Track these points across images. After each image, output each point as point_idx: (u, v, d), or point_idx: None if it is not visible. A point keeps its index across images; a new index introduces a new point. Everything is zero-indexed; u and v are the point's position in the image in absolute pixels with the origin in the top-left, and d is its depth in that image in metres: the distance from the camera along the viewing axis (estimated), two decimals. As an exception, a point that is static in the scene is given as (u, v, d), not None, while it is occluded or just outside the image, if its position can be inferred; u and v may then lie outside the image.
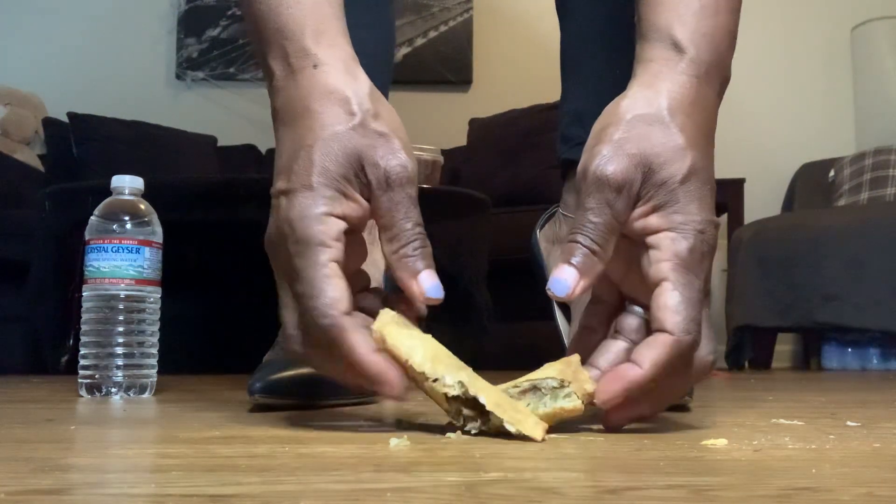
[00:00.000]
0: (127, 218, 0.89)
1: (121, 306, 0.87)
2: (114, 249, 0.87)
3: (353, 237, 0.52)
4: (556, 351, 0.87)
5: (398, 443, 0.46)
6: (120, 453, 0.47)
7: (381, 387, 0.49)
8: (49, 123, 2.74)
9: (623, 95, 0.55)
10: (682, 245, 0.50)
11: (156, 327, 0.91)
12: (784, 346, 2.77)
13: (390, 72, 0.88)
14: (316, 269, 0.49)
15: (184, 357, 1.45)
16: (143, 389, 0.88)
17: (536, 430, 0.48)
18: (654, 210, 0.51)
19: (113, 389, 0.87)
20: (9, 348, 1.84)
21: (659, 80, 0.54)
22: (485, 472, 0.37)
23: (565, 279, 0.51)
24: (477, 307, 1.96)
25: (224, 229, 1.57)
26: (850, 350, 2.39)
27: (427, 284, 0.51)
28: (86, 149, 2.61)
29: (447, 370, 0.49)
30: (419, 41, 3.12)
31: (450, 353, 0.51)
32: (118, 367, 0.87)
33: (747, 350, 2.37)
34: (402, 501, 0.31)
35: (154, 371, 0.90)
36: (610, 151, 0.51)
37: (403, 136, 0.53)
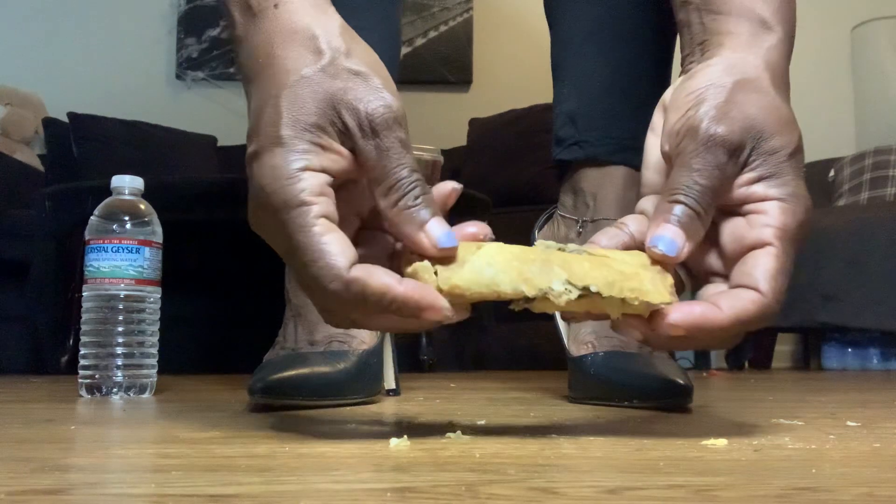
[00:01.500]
0: (127, 218, 0.89)
1: (121, 306, 0.87)
2: (114, 249, 0.87)
3: (344, 192, 0.47)
4: (556, 351, 0.88)
5: (398, 443, 0.46)
6: (120, 453, 0.47)
7: (427, 313, 0.44)
8: (49, 123, 2.74)
9: (707, 63, 0.51)
10: (792, 217, 0.47)
11: (156, 327, 0.91)
12: (784, 346, 2.77)
13: (395, 71, 0.88)
14: (305, 233, 0.43)
15: (184, 357, 1.45)
16: (143, 389, 0.88)
17: (663, 293, 0.45)
18: (760, 179, 0.48)
19: (113, 389, 0.87)
20: (9, 348, 1.84)
21: (753, 50, 0.50)
22: (485, 472, 0.37)
23: (673, 238, 0.46)
24: (477, 307, 1.96)
25: (224, 229, 1.57)
26: (850, 350, 2.39)
27: (438, 233, 0.45)
28: (86, 149, 2.61)
29: (542, 276, 0.44)
30: (419, 41, 3.12)
31: (515, 251, 0.45)
32: (118, 367, 0.87)
33: (747, 350, 2.37)
34: (402, 501, 0.31)
35: (154, 371, 0.90)
36: (718, 112, 0.47)
37: (384, 73, 0.47)
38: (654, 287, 0.45)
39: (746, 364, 2.40)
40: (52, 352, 1.62)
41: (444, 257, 0.45)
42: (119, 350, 0.87)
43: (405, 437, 0.47)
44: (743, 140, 0.47)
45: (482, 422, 0.59)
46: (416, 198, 0.45)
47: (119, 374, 0.87)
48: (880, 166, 2.59)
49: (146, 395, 0.88)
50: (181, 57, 3.12)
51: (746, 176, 0.48)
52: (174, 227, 0.97)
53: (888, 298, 2.16)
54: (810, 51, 3.09)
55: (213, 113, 3.04)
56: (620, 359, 0.76)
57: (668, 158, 0.50)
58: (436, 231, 0.45)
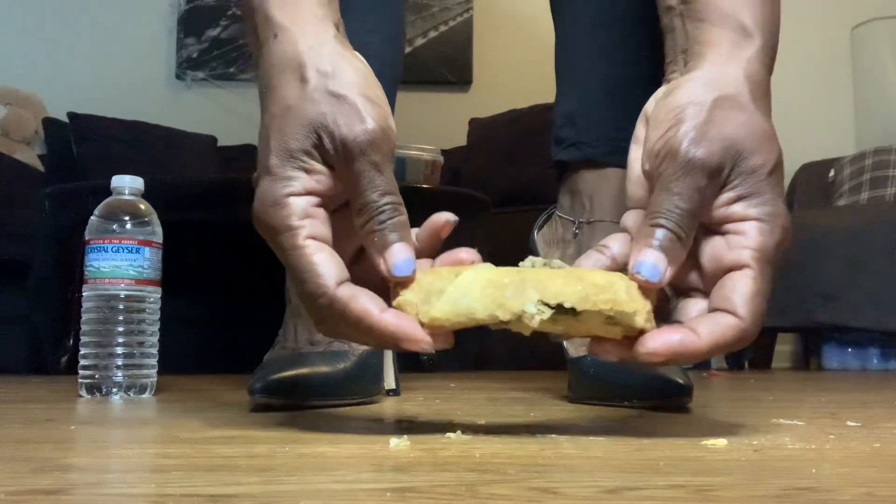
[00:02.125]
0: (127, 218, 0.89)
1: (121, 306, 0.87)
2: (114, 249, 0.87)
3: (343, 213, 0.49)
4: (556, 351, 0.88)
5: (398, 443, 0.46)
6: (120, 453, 0.47)
7: (405, 344, 0.46)
8: (49, 123, 2.74)
9: (689, 77, 0.51)
10: (770, 238, 0.47)
11: (156, 327, 0.91)
12: (784, 346, 2.77)
13: (398, 70, 0.88)
14: (294, 254, 0.46)
15: (184, 357, 1.45)
16: (143, 389, 0.88)
17: (637, 300, 0.46)
18: (739, 199, 0.48)
19: (113, 389, 0.87)
20: (9, 348, 1.84)
21: (733, 62, 0.50)
22: (485, 472, 0.37)
23: (656, 263, 0.46)
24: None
25: (224, 229, 1.57)
26: (850, 350, 2.39)
27: (396, 259, 0.46)
28: (86, 149, 2.61)
29: (515, 300, 0.44)
30: (419, 41, 3.12)
31: (491, 276, 0.45)
32: (118, 367, 0.87)
33: (747, 350, 2.37)
34: (402, 501, 0.31)
35: (154, 371, 0.90)
36: (697, 133, 0.47)
37: (370, 92, 0.48)
38: (630, 296, 0.45)
39: (746, 364, 2.40)
40: (52, 352, 1.62)
41: (402, 283, 0.47)
42: (119, 350, 0.87)
43: (405, 437, 0.47)
44: (722, 162, 0.47)
45: (482, 422, 0.59)
46: (382, 222, 0.47)
47: (119, 374, 0.87)
48: (880, 166, 2.59)
49: (146, 395, 0.88)
50: (181, 57, 3.12)
51: (726, 196, 0.48)
52: (174, 227, 0.97)
53: (888, 298, 2.16)
54: (810, 51, 3.09)
55: (213, 113, 3.04)
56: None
57: (650, 177, 0.50)
58: (394, 257, 0.46)
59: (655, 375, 0.72)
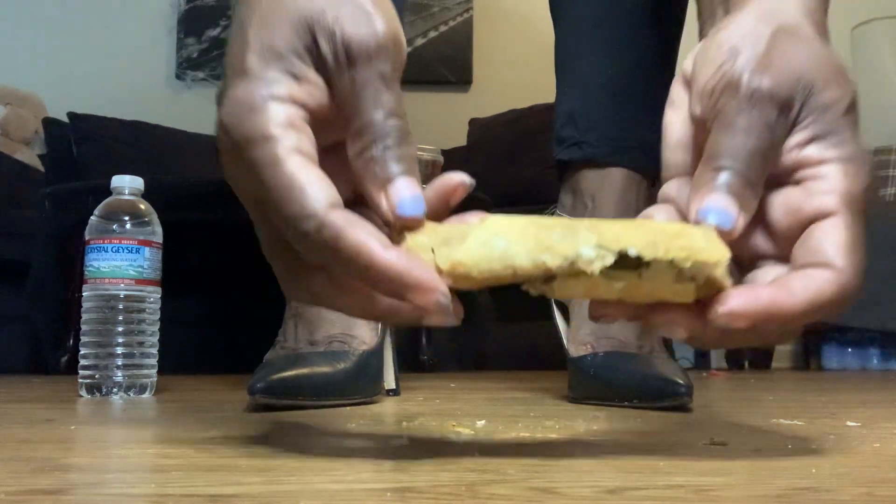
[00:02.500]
0: (127, 218, 0.89)
1: (121, 306, 0.87)
2: (114, 249, 0.87)
3: (335, 156, 0.39)
4: (556, 351, 0.88)
5: (399, 442, 0.46)
6: (120, 453, 0.47)
7: (414, 293, 0.35)
8: (49, 123, 2.73)
9: (738, 14, 0.43)
10: (856, 182, 0.39)
11: (156, 327, 0.91)
12: (784, 346, 2.77)
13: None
14: (274, 169, 0.35)
15: (184, 357, 1.45)
16: (143, 389, 0.88)
17: (721, 249, 0.36)
18: (814, 140, 0.40)
19: (113, 389, 0.87)
20: (9, 348, 1.84)
21: None
22: (485, 472, 0.37)
23: (727, 209, 0.38)
24: (477, 307, 1.96)
25: (224, 229, 1.57)
26: (850, 350, 2.39)
27: (402, 195, 0.36)
28: (86, 149, 2.61)
29: (566, 242, 0.35)
30: (419, 41, 3.12)
31: (529, 219, 0.36)
32: (118, 367, 0.87)
33: (747, 350, 2.37)
34: (402, 501, 0.31)
35: (154, 371, 0.90)
36: (761, 63, 0.39)
37: None
38: (710, 244, 0.36)
39: (746, 364, 2.40)
40: (52, 352, 1.62)
41: (408, 228, 0.36)
42: (119, 350, 0.87)
43: (405, 437, 0.47)
44: (792, 93, 0.39)
45: (482, 422, 0.59)
46: (387, 148, 0.37)
47: (119, 374, 0.87)
48: (880, 166, 2.59)
49: (146, 395, 0.88)
50: (181, 57, 3.12)
51: (797, 137, 0.40)
52: (174, 227, 0.97)
53: (888, 298, 2.16)
54: (810, 51, 3.08)
55: (213, 113, 3.02)
56: (620, 359, 0.76)
57: (702, 124, 0.42)
58: (400, 192, 0.36)
59: (656, 376, 0.72)
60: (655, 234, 0.35)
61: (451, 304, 0.35)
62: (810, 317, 0.37)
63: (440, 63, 3.13)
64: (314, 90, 0.38)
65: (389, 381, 0.85)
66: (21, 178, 2.53)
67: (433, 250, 0.36)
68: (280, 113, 0.36)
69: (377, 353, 0.79)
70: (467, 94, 3.16)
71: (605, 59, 0.84)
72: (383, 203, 0.37)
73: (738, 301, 0.36)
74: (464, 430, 0.52)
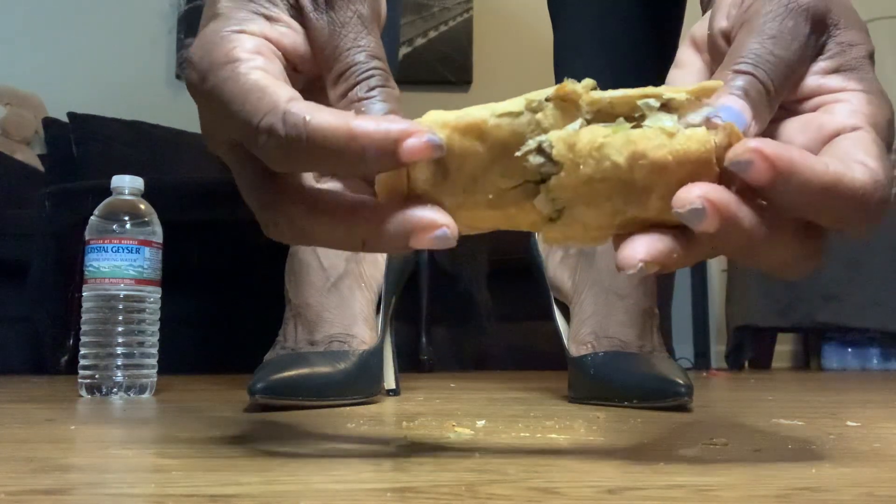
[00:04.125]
0: (127, 218, 0.89)
1: (121, 306, 0.87)
2: (114, 249, 0.87)
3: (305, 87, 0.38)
4: (555, 351, 0.88)
5: (399, 442, 0.46)
6: (120, 453, 0.47)
7: (405, 143, 0.32)
8: (49, 123, 2.73)
9: None
10: (881, 112, 0.37)
11: (156, 327, 0.91)
12: (784, 346, 2.77)
13: (395, 70, 0.88)
14: (235, 81, 0.34)
15: (184, 357, 1.45)
16: (143, 389, 0.88)
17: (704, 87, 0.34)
18: (837, 70, 0.38)
19: (113, 389, 0.87)
20: (9, 348, 1.84)
21: None
22: (485, 472, 0.37)
23: (741, 111, 0.35)
24: (477, 307, 1.96)
25: (224, 229, 1.57)
26: (850, 350, 2.39)
27: None
28: (86, 149, 2.61)
29: (544, 90, 0.33)
30: (419, 41, 3.12)
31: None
32: (118, 367, 0.87)
33: (747, 350, 2.37)
34: (402, 501, 0.31)
35: (154, 371, 0.90)
36: None
37: None
38: (703, 88, 0.34)
39: (746, 364, 2.40)
40: (52, 352, 1.62)
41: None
42: (119, 350, 0.87)
43: (405, 437, 0.47)
44: (827, 14, 0.37)
45: (482, 422, 0.59)
46: (371, 89, 0.36)
47: (119, 374, 0.87)
48: (880, 166, 2.59)
49: (146, 395, 0.88)
50: (181, 57, 3.12)
51: (820, 64, 0.38)
52: (174, 227, 0.97)
53: (888, 298, 2.16)
54: (810, 51, 3.09)
55: (213, 113, 3.03)
56: (620, 359, 0.76)
57: (727, 40, 0.40)
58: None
59: (656, 376, 0.72)
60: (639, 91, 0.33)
61: (443, 145, 0.33)
62: (836, 201, 0.33)
63: (440, 63, 3.13)
64: (288, 31, 0.37)
65: (389, 381, 0.85)
66: (21, 178, 2.53)
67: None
68: (248, 41, 0.36)
69: (377, 353, 0.79)
70: (467, 94, 3.16)
71: (603, 59, 0.84)
72: None
73: (763, 141, 0.32)
74: (464, 430, 0.52)
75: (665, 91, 0.33)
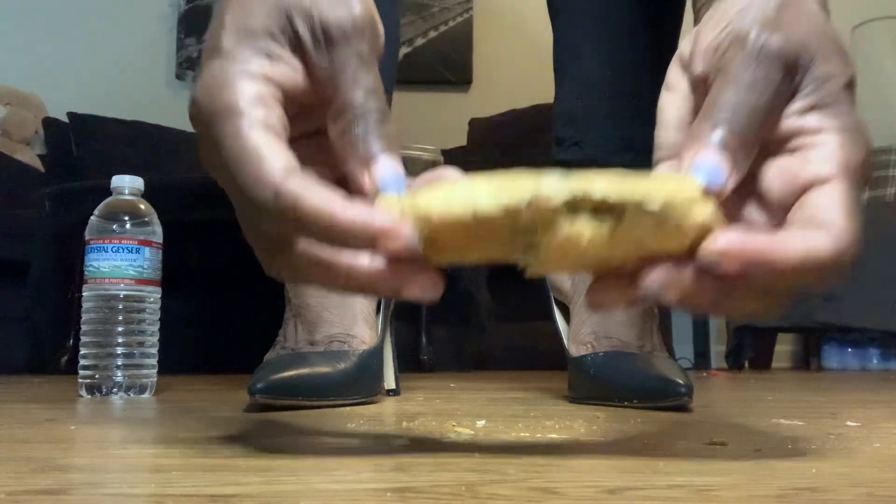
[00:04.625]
0: (127, 218, 0.89)
1: (121, 306, 0.87)
2: (114, 249, 0.87)
3: (309, 142, 0.40)
4: (555, 351, 0.88)
5: (398, 443, 0.46)
6: (120, 453, 0.47)
7: (383, 240, 0.34)
8: (49, 123, 2.73)
9: None
10: (855, 153, 0.38)
11: (156, 327, 0.91)
12: (784, 346, 2.76)
13: (394, 72, 0.88)
14: (235, 140, 0.35)
15: (184, 357, 1.45)
16: (143, 389, 0.88)
17: (692, 188, 0.35)
18: (814, 108, 0.39)
19: (113, 389, 0.87)
20: (9, 348, 1.84)
21: None
22: (485, 472, 0.37)
23: (719, 165, 0.36)
24: (477, 307, 1.96)
25: (224, 229, 1.57)
26: (850, 350, 2.39)
27: (383, 172, 0.37)
28: (86, 149, 2.61)
29: (529, 182, 0.33)
30: (419, 41, 3.12)
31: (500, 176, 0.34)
32: (118, 367, 0.87)
33: (747, 350, 2.37)
34: (402, 501, 0.31)
35: (154, 371, 0.90)
36: (770, 21, 0.39)
37: None
38: (680, 185, 0.35)
39: (746, 364, 2.40)
40: (52, 352, 1.62)
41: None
42: (119, 350, 0.87)
43: (405, 437, 0.47)
44: (798, 57, 0.38)
45: (482, 422, 0.59)
46: (368, 127, 0.37)
47: (119, 374, 0.87)
48: (880, 166, 2.59)
49: (146, 395, 0.88)
50: (181, 57, 3.12)
51: (797, 104, 0.39)
52: (174, 227, 0.97)
53: (888, 298, 2.16)
54: (810, 51, 3.08)
55: (213, 113, 3.03)
56: (620, 359, 0.76)
57: (702, 83, 0.41)
58: (382, 170, 0.37)
59: (656, 376, 0.72)
60: (626, 181, 0.34)
61: (418, 245, 0.34)
62: (804, 275, 0.35)
63: (440, 63, 3.13)
64: (289, 70, 0.38)
65: (389, 381, 0.85)
66: (21, 178, 2.53)
67: (401, 202, 0.35)
68: (249, 89, 0.37)
69: (377, 353, 0.79)
70: (467, 94, 3.16)
71: (603, 58, 0.84)
72: (366, 181, 0.37)
73: (731, 239, 0.34)
74: (464, 430, 0.52)
75: (640, 196, 0.33)
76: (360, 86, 0.38)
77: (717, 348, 2.64)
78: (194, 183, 1.74)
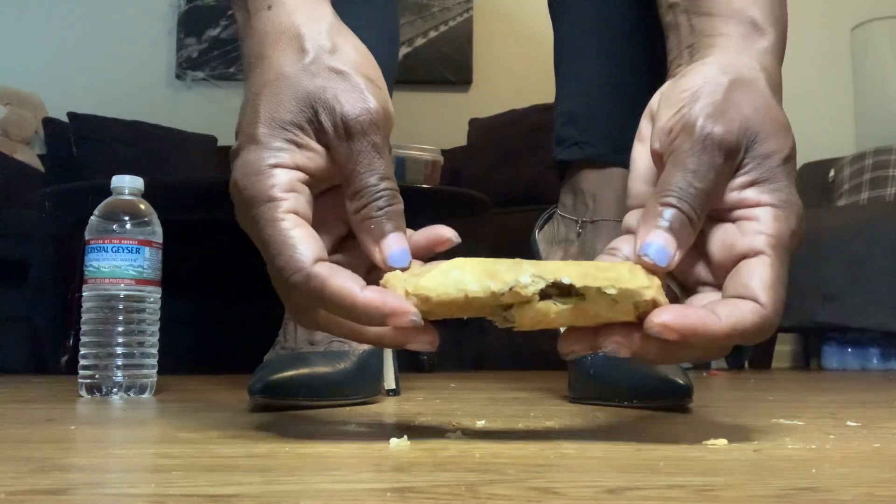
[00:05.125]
0: (127, 218, 0.89)
1: (121, 306, 0.87)
2: (114, 249, 0.87)
3: (331, 197, 0.47)
4: (556, 351, 0.87)
5: (398, 443, 0.46)
6: (120, 453, 0.47)
7: (391, 319, 0.42)
8: (49, 123, 2.74)
9: (702, 62, 0.49)
10: (785, 225, 0.44)
11: (156, 327, 0.91)
12: (784, 346, 2.77)
13: (394, 71, 0.88)
14: (273, 227, 0.43)
15: (184, 357, 1.45)
16: (143, 389, 0.88)
17: (642, 279, 0.43)
18: (753, 184, 0.45)
19: (113, 389, 0.87)
20: (9, 348, 1.84)
21: (746, 52, 0.49)
22: (485, 472, 0.37)
23: (665, 245, 0.44)
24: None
25: (224, 229, 1.57)
26: (850, 350, 2.39)
27: (392, 249, 0.45)
28: (86, 149, 2.61)
29: (509, 273, 0.42)
30: (419, 41, 3.12)
31: (485, 259, 0.43)
32: (118, 367, 0.87)
33: (747, 350, 2.37)
34: (402, 501, 0.31)
35: (154, 371, 0.90)
36: (716, 110, 0.45)
37: (371, 73, 0.47)
38: (634, 276, 0.43)
39: (746, 364, 2.40)
40: (52, 352, 1.62)
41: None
42: (119, 350, 0.87)
43: (405, 437, 0.47)
44: (739, 141, 0.45)
45: (482, 422, 0.59)
46: (380, 209, 0.45)
47: (119, 374, 0.87)
48: (880, 166, 2.59)
49: (146, 395, 0.88)
50: (181, 57, 3.12)
51: (739, 180, 0.46)
52: (174, 227, 0.97)
53: (888, 298, 2.16)
54: (810, 51, 3.09)
55: (213, 113, 3.03)
56: (620, 359, 0.76)
57: (659, 158, 0.47)
58: (390, 247, 0.45)
59: (655, 375, 0.72)
60: (588, 268, 0.43)
61: (421, 322, 0.42)
62: (732, 340, 0.43)
63: (440, 63, 3.13)
64: (314, 156, 0.46)
65: (389, 381, 0.85)
66: (21, 178, 2.53)
67: (405, 281, 0.43)
68: (283, 178, 0.44)
69: (377, 353, 0.79)
70: (467, 94, 3.16)
71: (604, 58, 0.84)
72: (377, 255, 0.45)
73: (670, 316, 0.42)
74: (464, 430, 0.52)
75: (600, 282, 0.42)
76: (375, 172, 0.45)
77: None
78: (194, 183, 1.74)
